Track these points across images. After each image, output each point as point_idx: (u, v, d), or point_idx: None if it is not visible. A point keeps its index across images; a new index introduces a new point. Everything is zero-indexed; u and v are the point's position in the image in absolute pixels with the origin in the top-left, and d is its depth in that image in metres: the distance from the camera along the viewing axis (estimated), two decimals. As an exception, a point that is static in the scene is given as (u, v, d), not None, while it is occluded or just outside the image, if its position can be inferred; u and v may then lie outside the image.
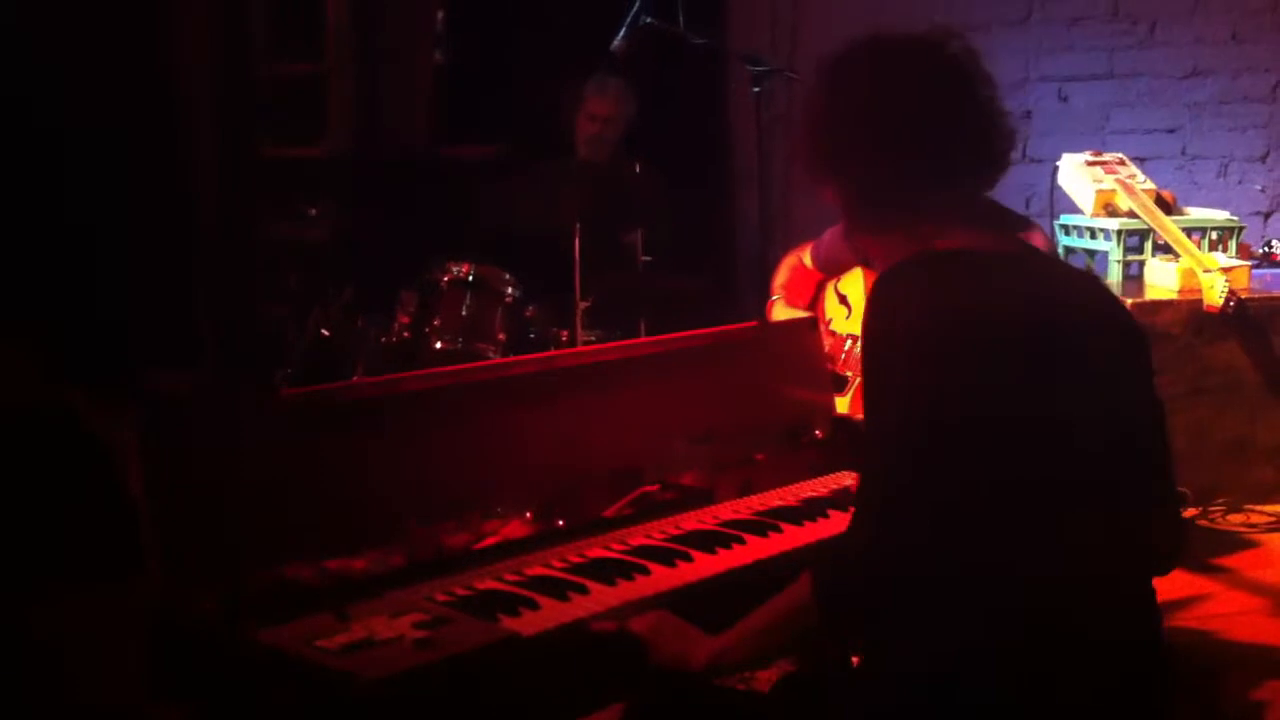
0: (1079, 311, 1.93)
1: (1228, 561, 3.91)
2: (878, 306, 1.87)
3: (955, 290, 1.86)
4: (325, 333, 4.66)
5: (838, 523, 2.44)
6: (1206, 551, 4.00)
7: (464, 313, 4.47)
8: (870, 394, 1.88)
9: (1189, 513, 4.28)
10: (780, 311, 3.95)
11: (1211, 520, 4.28)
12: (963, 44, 1.97)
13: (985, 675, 1.82)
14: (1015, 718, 1.83)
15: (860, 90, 1.97)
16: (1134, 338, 1.98)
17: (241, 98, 5.62)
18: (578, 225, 4.22)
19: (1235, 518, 4.30)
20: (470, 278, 4.48)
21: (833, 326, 3.93)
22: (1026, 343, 1.85)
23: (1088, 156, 5.13)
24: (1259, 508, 4.33)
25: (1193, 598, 3.61)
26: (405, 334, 4.46)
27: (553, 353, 2.57)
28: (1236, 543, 4.12)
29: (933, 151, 1.93)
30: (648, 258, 4.95)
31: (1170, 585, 3.58)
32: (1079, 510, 1.85)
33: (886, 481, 1.85)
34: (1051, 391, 1.84)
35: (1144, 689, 1.93)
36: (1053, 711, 1.84)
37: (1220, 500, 4.33)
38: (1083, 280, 2.07)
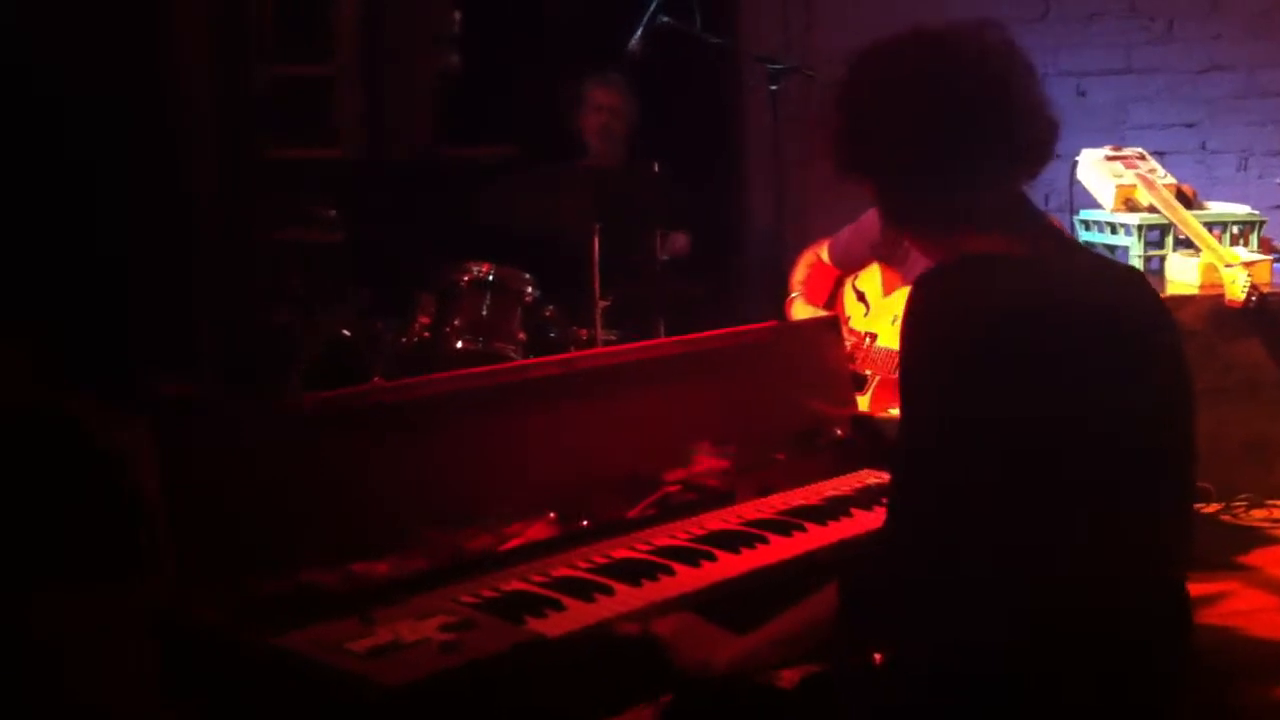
0: (1113, 314, 1.90)
1: (1248, 559, 3.90)
2: (914, 313, 1.85)
3: (990, 296, 1.83)
4: (346, 333, 4.68)
5: (861, 521, 2.44)
6: (1227, 548, 3.99)
7: (484, 313, 4.48)
8: (905, 398, 1.87)
9: (1210, 508, 4.27)
10: (800, 309, 3.96)
11: (1234, 516, 4.26)
12: (1001, 34, 1.93)
13: (1009, 676, 1.82)
14: (1038, 718, 1.84)
15: (896, 85, 1.93)
16: (1169, 336, 1.96)
17: (241, 98, 5.65)
18: (596, 226, 4.22)
19: (1257, 513, 4.28)
20: (490, 278, 4.49)
21: (851, 324, 3.94)
22: (1059, 347, 1.82)
23: (1107, 151, 5.11)
24: (1280, 503, 4.32)
25: (1213, 595, 3.60)
26: (425, 334, 4.48)
27: (573, 354, 2.58)
28: (1258, 539, 4.10)
29: (971, 145, 1.89)
30: (665, 257, 4.96)
31: (1191, 583, 3.59)
32: (1109, 512, 1.84)
33: (918, 484, 1.85)
34: (1083, 396, 1.82)
35: (1168, 690, 1.93)
36: (1075, 712, 1.84)
37: (1242, 496, 4.31)
38: (1122, 278, 2.02)
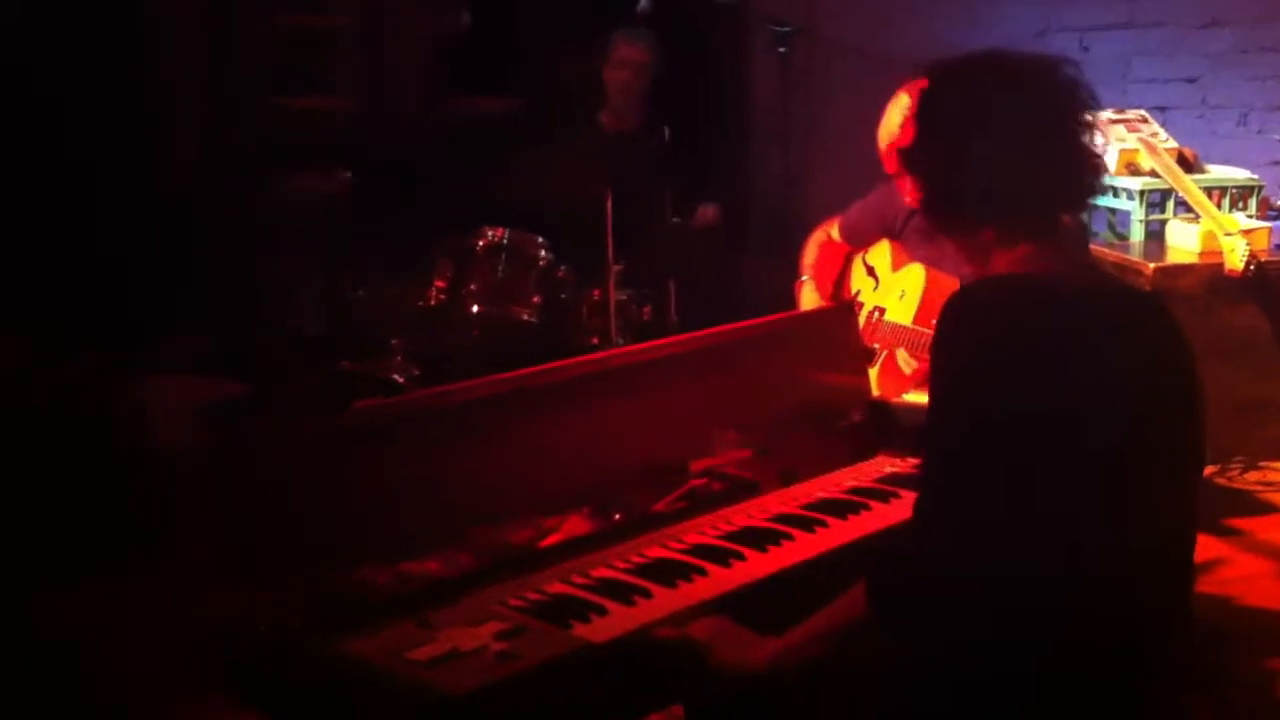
0: (1129, 331, 2.04)
1: (1243, 523, 3.98)
2: (946, 326, 2.00)
3: (1020, 313, 1.98)
4: (360, 294, 4.77)
5: (880, 515, 2.56)
6: (1223, 512, 4.07)
7: (499, 276, 4.59)
8: (934, 403, 2.00)
9: (1205, 472, 4.37)
10: (808, 294, 4.05)
11: (1229, 479, 4.35)
12: (1073, 70, 2.09)
13: (1031, 673, 1.94)
14: (1053, 710, 1.96)
15: (969, 99, 2.08)
16: (1183, 362, 2.07)
17: (235, 49, 5.61)
18: (609, 191, 4.29)
19: (1252, 476, 4.37)
20: (504, 242, 4.60)
21: (860, 298, 4.03)
22: (1075, 358, 1.96)
23: (1110, 114, 5.18)
24: (1275, 464, 4.41)
25: (1209, 561, 3.68)
26: (442, 298, 4.58)
27: (606, 353, 2.69)
28: (1252, 503, 4.19)
29: (1022, 171, 2.05)
30: (677, 219, 5.02)
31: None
32: (1119, 515, 1.97)
33: (944, 486, 1.98)
34: (1096, 405, 1.95)
35: (1170, 682, 2.06)
36: (1083, 706, 1.97)
37: (1237, 459, 4.41)
38: (1138, 299, 2.18)
